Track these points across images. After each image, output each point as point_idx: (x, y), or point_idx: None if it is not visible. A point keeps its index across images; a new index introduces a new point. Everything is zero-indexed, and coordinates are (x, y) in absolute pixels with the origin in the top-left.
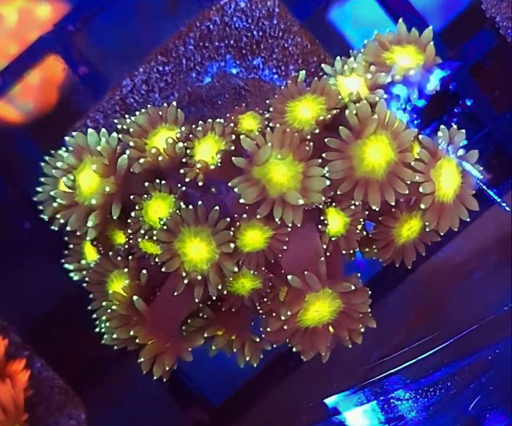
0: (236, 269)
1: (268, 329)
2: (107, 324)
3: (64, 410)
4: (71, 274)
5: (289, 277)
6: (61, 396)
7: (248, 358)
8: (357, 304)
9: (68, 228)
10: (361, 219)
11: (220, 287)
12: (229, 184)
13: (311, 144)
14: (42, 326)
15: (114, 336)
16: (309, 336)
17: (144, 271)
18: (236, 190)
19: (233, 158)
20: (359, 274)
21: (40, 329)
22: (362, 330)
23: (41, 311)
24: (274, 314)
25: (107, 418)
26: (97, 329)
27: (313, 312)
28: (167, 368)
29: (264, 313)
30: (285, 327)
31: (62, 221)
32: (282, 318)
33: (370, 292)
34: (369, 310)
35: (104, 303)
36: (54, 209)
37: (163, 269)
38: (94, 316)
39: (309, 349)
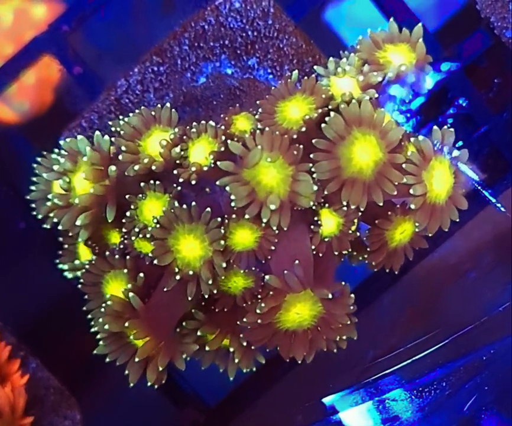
0: (224, 264)
1: (244, 320)
2: (100, 321)
3: (59, 410)
4: (65, 273)
5: (267, 277)
6: (56, 396)
7: (236, 360)
8: (336, 314)
9: (60, 227)
10: (355, 220)
11: (210, 282)
12: (217, 183)
13: (301, 146)
14: (38, 326)
15: (106, 326)
16: (288, 340)
17: (141, 274)
18: (227, 188)
19: (218, 162)
20: (343, 283)
21: (35, 330)
22: (344, 338)
23: (36, 311)
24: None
25: (102, 418)
26: (92, 329)
27: (293, 314)
28: (160, 369)
29: (247, 312)
30: (259, 321)
31: (55, 220)
32: (258, 311)
33: (354, 299)
34: (349, 322)
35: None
36: (48, 208)
37: (155, 262)
38: (90, 316)
39: (285, 353)
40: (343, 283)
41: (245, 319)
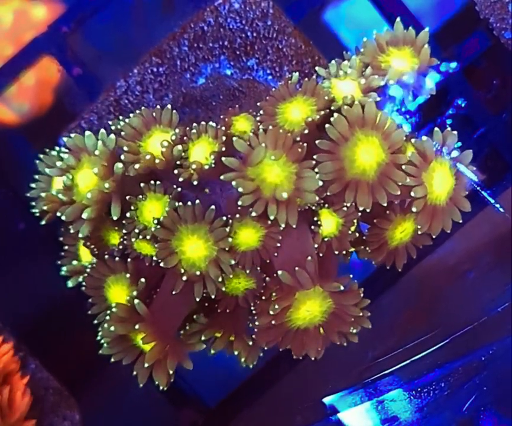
0: (233, 261)
1: (257, 323)
2: (105, 326)
3: (58, 411)
4: (68, 282)
5: (279, 272)
6: (56, 397)
7: (243, 359)
8: (348, 306)
9: (63, 218)
10: (354, 220)
11: (220, 279)
12: (222, 177)
13: (305, 145)
14: (37, 327)
15: (112, 328)
16: (300, 338)
17: (143, 279)
18: (233, 184)
19: (223, 158)
20: (351, 275)
21: (35, 330)
22: (355, 331)
23: (35, 312)
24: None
25: (101, 418)
26: (98, 338)
27: (304, 312)
28: (171, 372)
29: (257, 314)
30: (273, 322)
31: (58, 214)
32: (271, 312)
33: (362, 294)
34: (361, 313)
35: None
36: (45, 202)
37: (161, 264)
38: (96, 321)
39: (299, 352)
40: (350, 275)
41: (257, 322)
